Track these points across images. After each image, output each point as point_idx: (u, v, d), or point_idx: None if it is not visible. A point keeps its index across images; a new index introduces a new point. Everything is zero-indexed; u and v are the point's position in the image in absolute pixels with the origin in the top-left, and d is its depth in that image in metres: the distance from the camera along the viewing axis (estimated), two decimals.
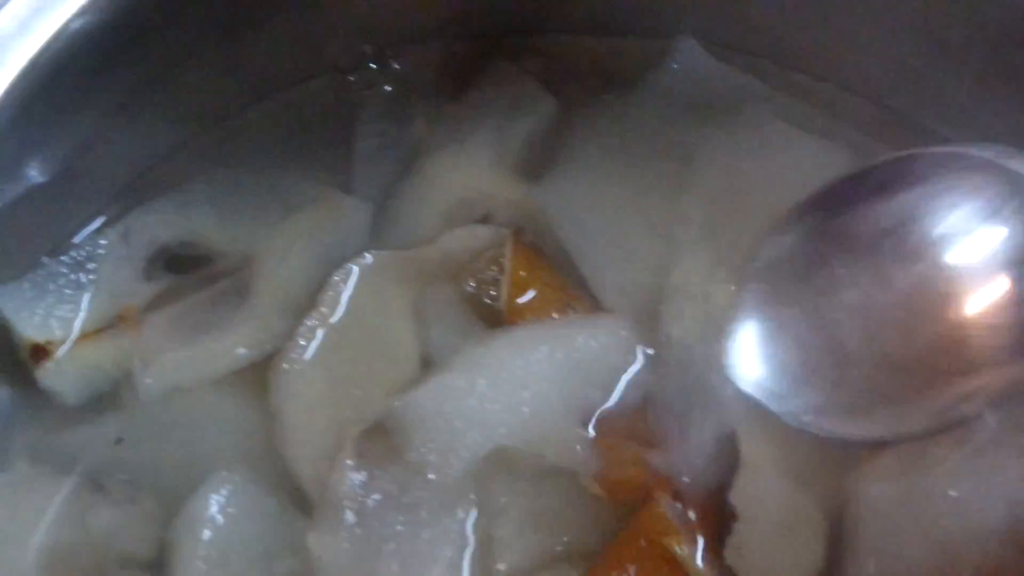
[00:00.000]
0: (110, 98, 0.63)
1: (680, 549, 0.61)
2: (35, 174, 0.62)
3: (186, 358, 0.67)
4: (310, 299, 0.68)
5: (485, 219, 0.71)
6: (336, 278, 0.68)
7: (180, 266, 0.70)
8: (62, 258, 0.68)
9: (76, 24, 0.56)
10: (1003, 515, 0.61)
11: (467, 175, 0.71)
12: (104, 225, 0.70)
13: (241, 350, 0.67)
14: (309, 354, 0.66)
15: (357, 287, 0.68)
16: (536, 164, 0.73)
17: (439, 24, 0.72)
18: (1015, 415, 0.61)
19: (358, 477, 0.63)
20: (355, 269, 0.68)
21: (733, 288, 0.66)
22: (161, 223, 0.69)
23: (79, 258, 0.68)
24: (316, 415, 0.66)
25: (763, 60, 0.73)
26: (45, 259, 0.68)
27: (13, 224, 0.63)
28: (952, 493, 0.61)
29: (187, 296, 0.69)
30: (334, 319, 0.67)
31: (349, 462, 0.63)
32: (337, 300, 0.67)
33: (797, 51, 0.72)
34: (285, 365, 0.67)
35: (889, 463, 0.63)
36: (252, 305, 0.68)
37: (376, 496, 0.63)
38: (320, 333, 0.67)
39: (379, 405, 0.64)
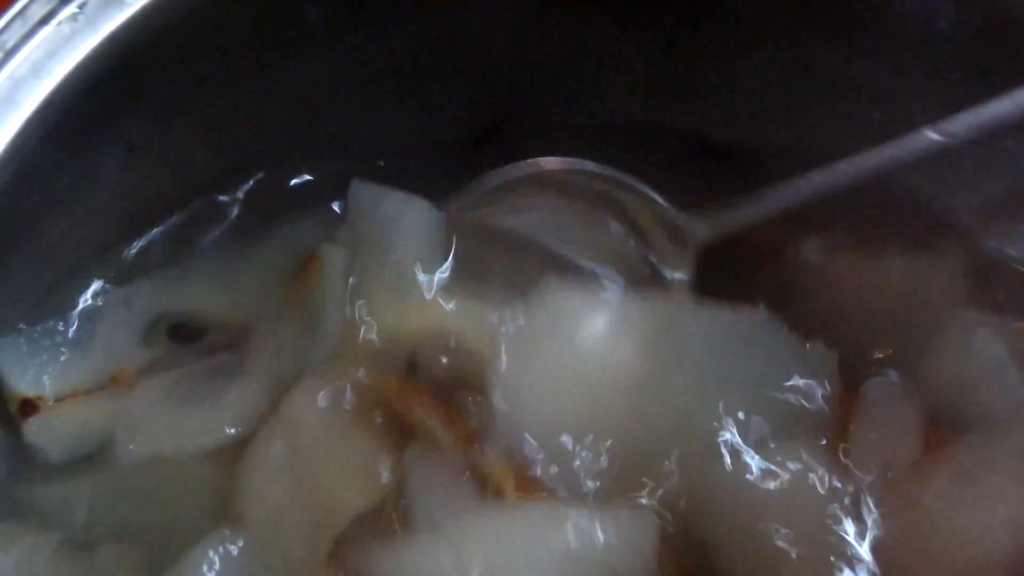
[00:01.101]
0: (118, 141, 0.64)
1: None
2: (44, 219, 0.62)
3: (171, 429, 0.65)
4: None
5: None
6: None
7: (182, 334, 0.69)
8: (61, 316, 0.67)
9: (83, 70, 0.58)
10: (1008, 543, 0.61)
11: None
12: (105, 288, 0.69)
13: (228, 429, 0.65)
14: (275, 452, 0.64)
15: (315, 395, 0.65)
16: None
17: None
18: (1012, 440, 0.62)
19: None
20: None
21: None
22: (164, 294, 0.70)
23: (78, 317, 0.68)
24: (285, 515, 0.62)
25: None
26: (45, 314, 0.67)
27: (13, 276, 0.63)
28: (955, 525, 0.61)
29: (183, 365, 0.68)
30: (299, 419, 0.65)
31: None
32: (298, 403, 0.65)
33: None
34: (251, 461, 0.64)
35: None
36: (244, 382, 0.67)
37: None
38: (284, 433, 0.64)
39: (350, 512, 0.62)
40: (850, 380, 0.65)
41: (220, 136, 0.70)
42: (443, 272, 0.69)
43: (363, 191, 0.69)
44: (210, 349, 0.69)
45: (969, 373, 0.65)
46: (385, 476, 0.63)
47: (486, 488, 0.62)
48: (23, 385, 0.65)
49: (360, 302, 0.67)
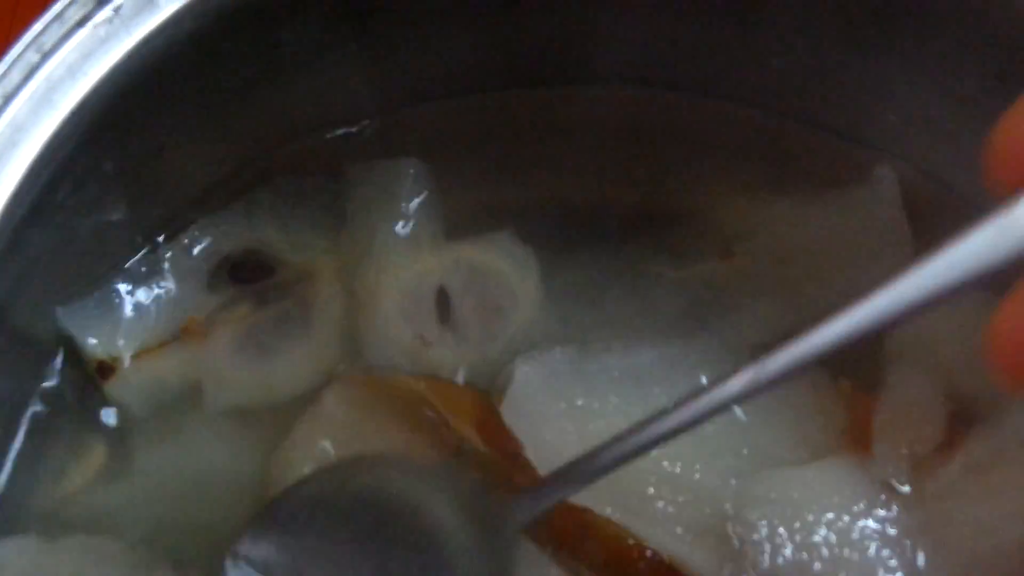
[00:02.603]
0: (151, 142, 0.65)
1: None
2: (97, 190, 0.63)
3: (248, 383, 0.68)
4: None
5: None
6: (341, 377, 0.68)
7: (245, 273, 0.70)
8: (125, 274, 0.69)
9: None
10: (1021, 530, 0.63)
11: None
12: (166, 240, 0.70)
13: (301, 381, 0.68)
14: (310, 448, 0.65)
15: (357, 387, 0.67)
16: None
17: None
18: (1020, 431, 0.64)
19: None
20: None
21: None
22: (224, 233, 0.70)
23: (143, 273, 0.69)
24: None
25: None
26: (109, 275, 0.69)
27: (77, 243, 0.64)
28: (969, 515, 0.63)
29: (251, 314, 0.69)
30: (335, 413, 0.66)
31: None
32: (337, 396, 0.67)
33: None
34: (285, 457, 0.65)
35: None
36: (309, 340, 0.69)
37: None
38: (320, 428, 0.66)
39: None
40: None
41: (247, 138, 0.71)
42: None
43: (353, 170, 0.72)
44: (276, 290, 0.70)
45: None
46: None
47: None
48: (97, 349, 0.67)
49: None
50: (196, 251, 0.70)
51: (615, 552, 0.62)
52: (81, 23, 0.58)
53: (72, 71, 0.57)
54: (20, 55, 0.57)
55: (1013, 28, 0.62)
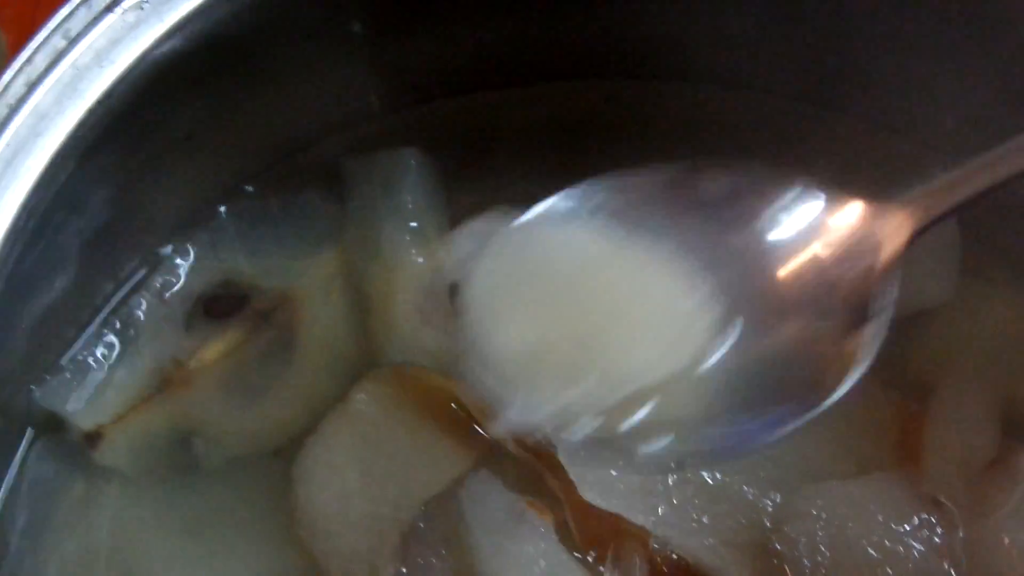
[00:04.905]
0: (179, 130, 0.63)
1: None
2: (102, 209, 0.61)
3: (245, 431, 0.66)
4: (360, 353, 0.67)
5: None
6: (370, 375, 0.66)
7: (219, 309, 0.68)
8: (97, 334, 0.66)
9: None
10: None
11: None
12: (134, 289, 0.67)
13: (299, 419, 0.66)
14: (339, 444, 0.64)
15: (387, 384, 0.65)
16: None
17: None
18: None
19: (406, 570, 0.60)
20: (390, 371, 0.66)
21: None
22: (194, 271, 0.68)
23: (117, 327, 0.66)
24: (350, 508, 0.62)
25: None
26: (81, 335, 0.66)
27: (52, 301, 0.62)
28: (1006, 540, 0.60)
29: (233, 351, 0.67)
30: (367, 412, 0.65)
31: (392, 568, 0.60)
32: (369, 394, 0.65)
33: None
34: (314, 453, 0.64)
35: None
36: (300, 365, 0.67)
37: None
38: (349, 424, 0.64)
39: (416, 505, 0.62)
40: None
41: (274, 128, 0.69)
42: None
43: (353, 164, 0.70)
44: (256, 320, 0.68)
45: None
46: (454, 465, 0.63)
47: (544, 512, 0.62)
48: (81, 420, 0.64)
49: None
50: (169, 295, 0.67)
51: (646, 560, 0.60)
52: (110, 8, 0.56)
53: (99, 58, 0.56)
54: (46, 39, 0.56)
55: None
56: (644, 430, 0.53)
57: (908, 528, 0.60)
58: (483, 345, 0.54)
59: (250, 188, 0.71)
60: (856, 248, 0.54)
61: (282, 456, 0.65)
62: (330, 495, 0.63)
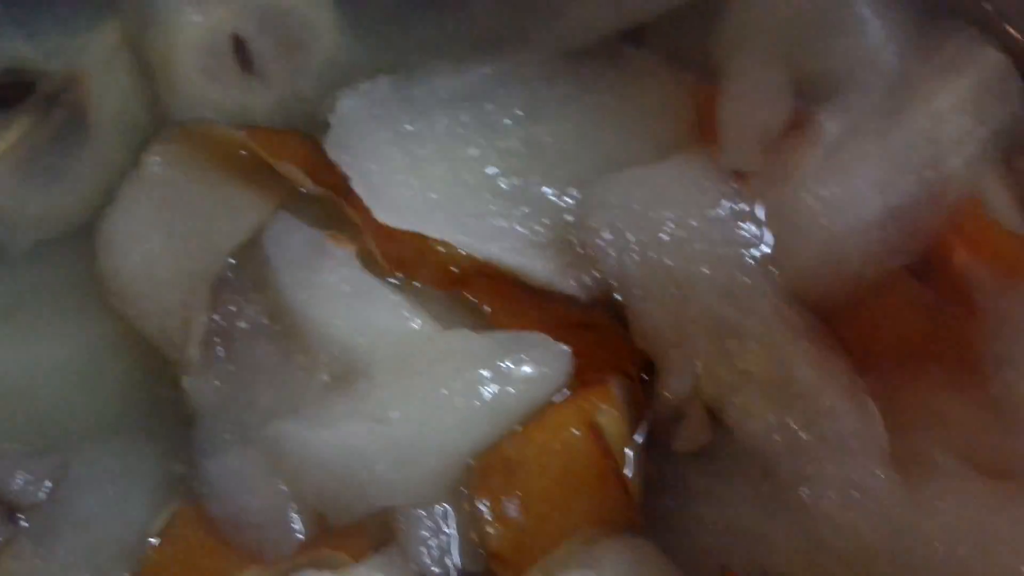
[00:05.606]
0: None
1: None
2: None
3: (48, 213, 0.65)
4: (152, 120, 0.65)
5: None
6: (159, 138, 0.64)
7: (5, 97, 0.66)
8: None
9: None
10: (878, 204, 0.60)
11: None
12: None
13: (100, 194, 0.64)
14: (138, 209, 0.63)
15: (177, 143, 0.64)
16: None
17: None
18: (872, 99, 0.61)
19: (219, 317, 0.60)
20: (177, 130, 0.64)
21: None
22: None
23: None
24: (157, 269, 0.62)
25: None
26: None
27: None
28: (824, 193, 0.60)
29: (25, 137, 0.65)
30: (161, 174, 0.63)
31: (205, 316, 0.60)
32: (161, 156, 0.64)
33: None
34: (112, 221, 0.63)
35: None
36: (95, 141, 0.65)
37: (243, 325, 0.60)
38: (146, 188, 0.63)
39: (223, 256, 0.61)
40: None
41: None
42: None
43: None
44: (43, 104, 0.66)
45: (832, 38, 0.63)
46: (256, 212, 0.62)
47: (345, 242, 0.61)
48: None
49: None
50: None
51: (452, 274, 0.60)
52: None
53: None
54: None
55: None
56: None
57: (711, 202, 0.60)
58: None
59: None
60: None
61: (89, 233, 0.64)
62: (135, 259, 0.62)
